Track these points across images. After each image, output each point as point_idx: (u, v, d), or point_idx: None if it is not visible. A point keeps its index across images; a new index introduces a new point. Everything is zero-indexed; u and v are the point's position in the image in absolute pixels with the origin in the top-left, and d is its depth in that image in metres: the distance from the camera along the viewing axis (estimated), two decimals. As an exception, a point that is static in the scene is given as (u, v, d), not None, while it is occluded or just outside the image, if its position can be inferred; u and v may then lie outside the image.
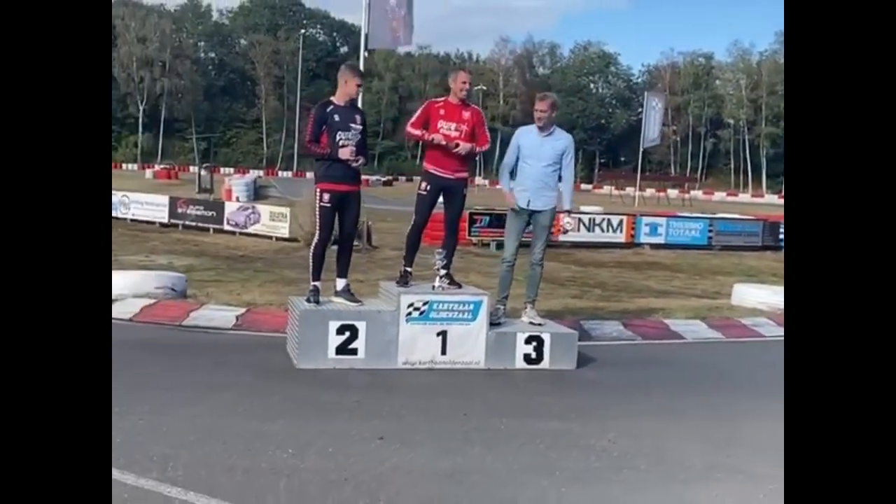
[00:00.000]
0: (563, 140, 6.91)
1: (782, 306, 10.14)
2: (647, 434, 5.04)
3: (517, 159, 6.93)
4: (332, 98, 6.54)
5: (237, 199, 24.74)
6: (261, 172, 64.86)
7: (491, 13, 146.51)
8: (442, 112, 6.62)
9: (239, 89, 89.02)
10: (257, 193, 33.04)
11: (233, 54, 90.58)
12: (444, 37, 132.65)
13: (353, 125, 6.46)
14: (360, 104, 7.27)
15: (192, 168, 63.56)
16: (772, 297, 10.40)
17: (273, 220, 16.78)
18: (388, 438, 4.67)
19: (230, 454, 4.28)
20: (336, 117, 6.37)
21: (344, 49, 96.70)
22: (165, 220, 21.56)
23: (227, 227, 17.53)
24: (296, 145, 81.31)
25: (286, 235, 16.18)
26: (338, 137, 6.35)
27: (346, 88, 6.49)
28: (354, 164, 6.45)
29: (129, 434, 4.40)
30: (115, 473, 3.82)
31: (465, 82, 6.64)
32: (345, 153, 6.36)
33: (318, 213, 6.52)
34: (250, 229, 16.88)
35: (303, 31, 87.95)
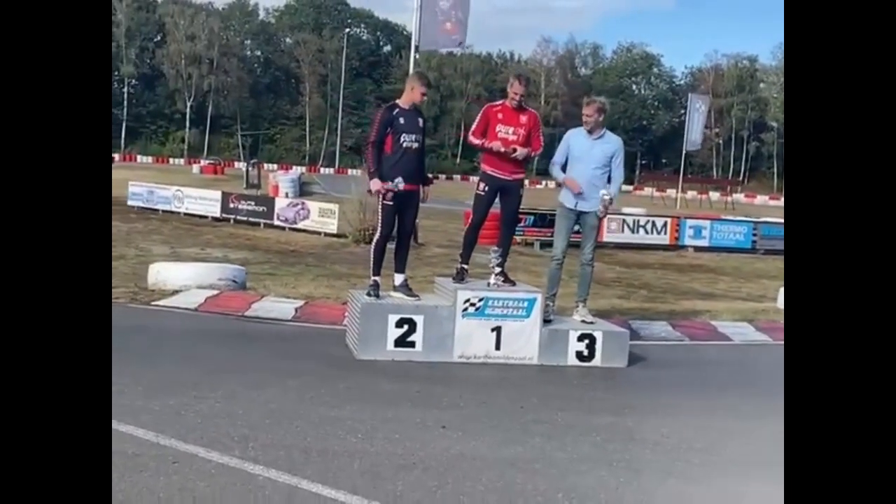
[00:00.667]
0: (612, 143, 7.06)
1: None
2: (699, 430, 5.21)
3: (566, 160, 7.09)
4: (397, 101, 6.79)
5: (286, 195, 25.19)
6: (304, 169, 65.66)
7: (532, 13, 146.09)
8: (500, 116, 6.83)
9: (283, 87, 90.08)
10: (302, 190, 33.54)
11: (278, 52, 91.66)
12: (485, 36, 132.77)
13: (417, 128, 6.71)
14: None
15: (237, 164, 64.56)
16: (819, 301, 10.45)
17: (322, 217, 17.14)
18: (450, 427, 4.91)
19: (304, 436, 4.54)
20: (402, 120, 6.62)
21: (387, 48, 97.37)
22: (217, 215, 22.10)
23: (276, 223, 17.95)
24: (338, 142, 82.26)
25: (335, 231, 16.50)
26: (402, 140, 6.60)
27: (412, 95, 6.74)
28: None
29: (207, 416, 4.70)
30: (201, 451, 4.13)
31: (516, 93, 6.84)
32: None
33: (380, 210, 6.76)
34: (299, 225, 17.26)
35: (347, 30, 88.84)
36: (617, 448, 4.74)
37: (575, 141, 7.07)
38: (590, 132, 6.99)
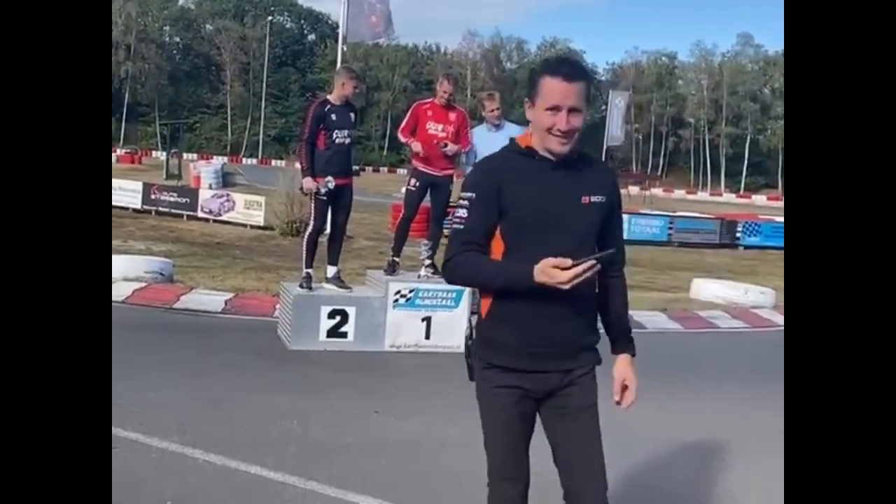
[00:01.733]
0: (514, 132, 7.30)
1: (737, 300, 10.81)
2: (613, 413, 5.53)
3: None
4: (328, 97, 6.92)
5: (209, 187, 24.87)
6: (226, 159, 64.59)
7: (458, 5, 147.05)
8: (429, 114, 7.06)
9: (204, 75, 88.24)
10: (224, 180, 33.09)
11: (198, 39, 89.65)
12: (412, 28, 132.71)
13: (349, 123, 6.88)
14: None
15: (154, 153, 63.04)
16: (728, 291, 11.06)
17: (248, 209, 17.05)
18: (383, 412, 5.15)
19: (241, 423, 4.71)
20: (333, 116, 6.76)
21: (312, 37, 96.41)
22: (139, 206, 21.61)
23: (200, 214, 17.77)
24: (261, 132, 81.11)
25: (261, 224, 16.45)
26: (335, 136, 6.76)
27: (343, 90, 6.88)
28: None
29: (145, 405, 4.82)
30: (141, 437, 4.26)
31: (446, 91, 7.07)
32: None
33: (313, 204, 6.90)
34: (224, 217, 17.13)
35: (270, 17, 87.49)
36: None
37: (478, 139, 7.29)
38: (495, 125, 7.26)
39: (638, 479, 4.32)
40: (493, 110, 7.23)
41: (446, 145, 6.96)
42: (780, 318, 10.24)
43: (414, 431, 4.84)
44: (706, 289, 11.28)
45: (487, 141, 7.20)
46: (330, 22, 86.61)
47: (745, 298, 10.90)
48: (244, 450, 4.21)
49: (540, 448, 2.62)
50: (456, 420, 5.12)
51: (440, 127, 6.99)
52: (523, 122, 2.79)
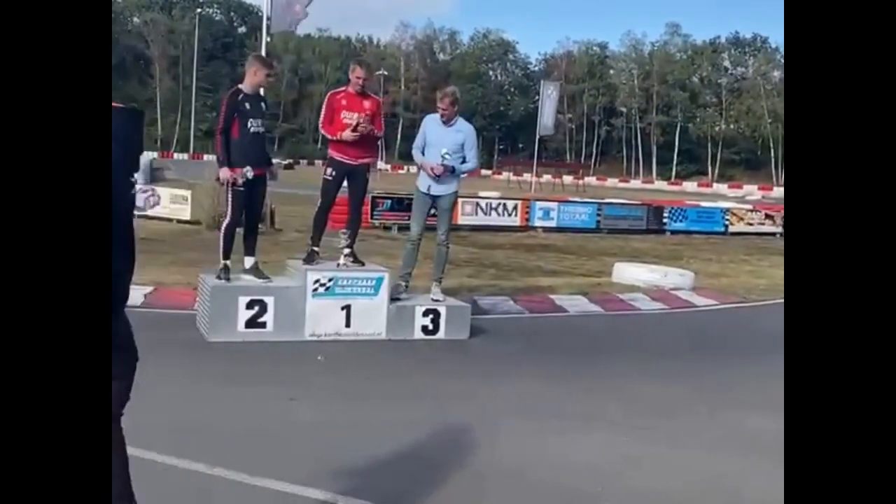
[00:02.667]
0: (462, 132, 7.39)
1: (657, 283, 11.10)
2: (529, 392, 5.70)
3: (424, 144, 7.40)
4: (240, 87, 6.87)
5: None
6: (155, 154, 63.19)
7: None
8: (344, 103, 7.07)
9: (132, 68, 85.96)
10: (153, 175, 32.37)
11: (125, 32, 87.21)
12: (344, 19, 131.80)
13: (261, 113, 6.85)
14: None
15: (81, 149, 61.16)
16: (648, 274, 11.36)
17: (174, 203, 16.73)
18: (299, 399, 5.18)
19: (154, 414, 4.65)
20: (247, 105, 6.73)
21: (242, 29, 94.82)
22: (59, 203, 20.91)
23: (125, 210, 17.37)
24: (192, 126, 79.50)
25: (188, 218, 16.16)
26: (249, 125, 6.72)
27: (256, 79, 6.85)
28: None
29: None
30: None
31: (359, 77, 7.09)
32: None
33: (230, 196, 6.85)
34: (150, 212, 16.72)
35: (199, 10, 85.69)
36: (453, 411, 5.15)
37: (430, 127, 7.39)
38: (445, 121, 7.32)
39: (554, 452, 4.45)
40: (442, 109, 7.27)
41: (359, 123, 6.93)
42: (698, 300, 10.57)
43: (327, 416, 4.88)
44: (627, 272, 11.55)
45: (438, 132, 7.28)
46: (260, 14, 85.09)
47: (664, 281, 11.20)
48: (155, 440, 4.17)
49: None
50: (369, 403, 5.20)
51: (355, 115, 7.01)
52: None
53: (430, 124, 7.40)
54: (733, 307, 10.42)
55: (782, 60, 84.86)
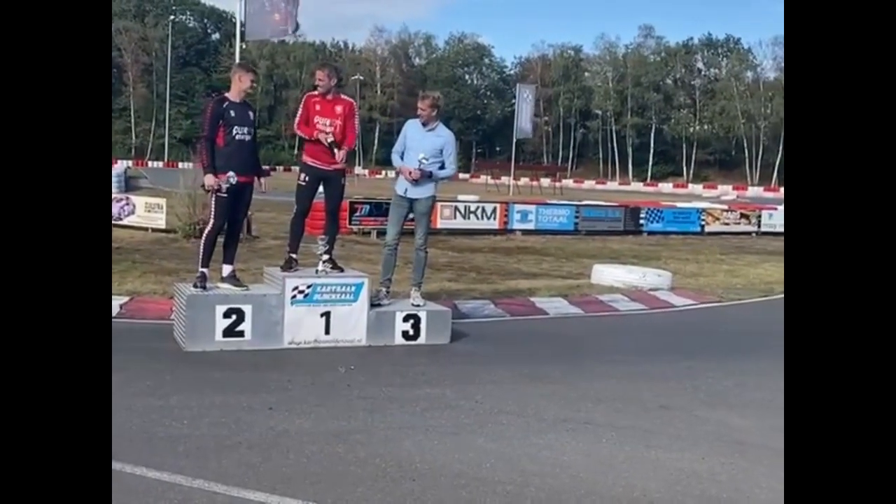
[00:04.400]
0: (442, 137, 7.38)
1: (636, 284, 11.15)
2: (510, 395, 5.69)
3: (404, 148, 7.38)
4: (226, 94, 6.84)
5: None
6: (129, 163, 62.59)
7: (365, 1, 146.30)
8: (318, 108, 7.05)
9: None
10: (128, 184, 32.09)
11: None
12: (319, 25, 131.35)
13: (248, 120, 6.84)
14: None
15: (54, 159, 60.45)
16: (626, 275, 11.41)
17: (149, 212, 16.57)
18: (277, 408, 5.12)
19: (129, 425, 4.60)
20: (232, 113, 6.70)
21: (216, 36, 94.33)
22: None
23: (100, 220, 17.21)
24: (166, 134, 78.92)
25: (163, 227, 16.01)
26: (234, 132, 6.70)
27: (241, 85, 6.83)
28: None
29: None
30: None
31: (321, 79, 7.08)
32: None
33: (214, 203, 6.79)
34: (125, 221, 16.55)
35: (172, 17, 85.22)
36: (435, 415, 5.12)
37: (410, 131, 7.38)
38: (424, 124, 7.30)
39: (536, 453, 4.44)
40: (421, 110, 7.25)
41: (337, 146, 6.95)
42: (676, 300, 10.63)
43: (308, 425, 4.83)
44: (606, 274, 11.59)
45: (419, 136, 7.26)
46: (234, 20, 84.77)
47: (643, 281, 11.26)
48: (129, 451, 4.12)
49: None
50: (351, 411, 5.16)
51: (327, 121, 6.99)
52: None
53: (411, 128, 7.39)
54: (711, 307, 10.49)
55: (754, 61, 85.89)
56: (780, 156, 77.77)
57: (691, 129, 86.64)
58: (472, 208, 20.14)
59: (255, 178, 7.01)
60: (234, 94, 6.84)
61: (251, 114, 7.00)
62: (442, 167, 7.34)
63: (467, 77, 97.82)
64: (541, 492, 3.94)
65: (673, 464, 4.47)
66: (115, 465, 3.94)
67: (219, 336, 6.54)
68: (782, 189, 64.69)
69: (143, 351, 6.50)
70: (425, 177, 7.22)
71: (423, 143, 7.26)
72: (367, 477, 4.04)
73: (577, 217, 21.19)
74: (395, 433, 4.75)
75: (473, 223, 19.62)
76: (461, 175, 69.89)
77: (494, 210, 20.19)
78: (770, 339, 8.55)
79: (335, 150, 7.01)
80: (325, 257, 7.10)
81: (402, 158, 7.37)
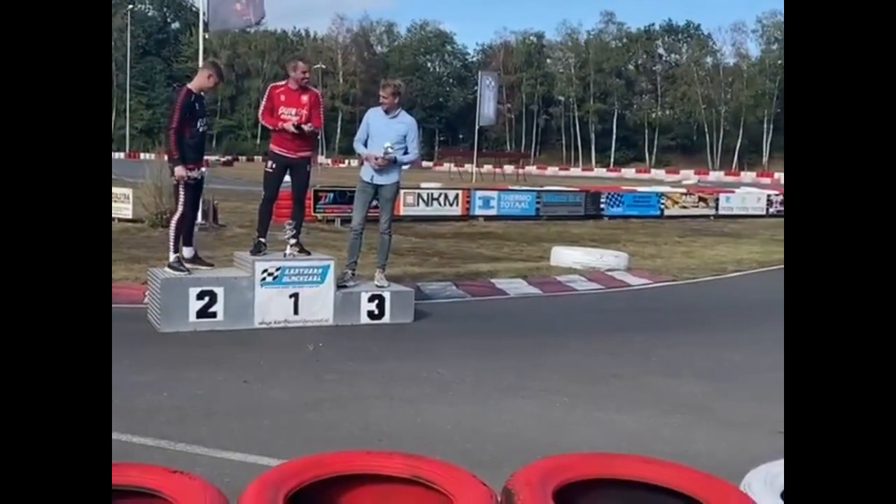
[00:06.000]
0: (405, 124, 7.70)
1: (593, 265, 11.59)
2: (469, 367, 6.07)
3: (367, 136, 7.68)
4: (190, 87, 7.14)
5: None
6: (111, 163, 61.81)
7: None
8: (283, 98, 7.33)
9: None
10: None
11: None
12: (281, 13, 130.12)
13: (205, 113, 7.26)
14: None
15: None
16: (584, 257, 11.85)
17: (115, 202, 16.62)
18: (251, 381, 5.45)
19: (112, 399, 4.89)
20: (197, 106, 7.07)
21: (176, 25, 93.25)
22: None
23: (64, 211, 17.25)
24: (127, 125, 77.95)
25: (129, 216, 16.12)
26: (199, 124, 7.08)
27: (207, 82, 7.18)
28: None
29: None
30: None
31: (305, 72, 7.36)
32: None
33: (182, 191, 7.09)
34: (90, 211, 16.67)
35: (131, 6, 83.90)
36: (399, 386, 5.49)
37: (373, 119, 7.66)
38: (386, 111, 7.60)
39: (493, 416, 4.83)
40: (383, 98, 7.54)
41: (298, 126, 7.23)
42: (631, 279, 11.09)
43: (280, 396, 5.17)
44: (565, 255, 12.02)
45: (382, 124, 7.54)
46: (194, 9, 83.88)
47: (600, 262, 11.71)
48: (115, 421, 4.41)
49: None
50: (321, 383, 5.50)
51: (293, 111, 7.28)
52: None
53: (374, 116, 7.66)
54: (665, 286, 10.96)
55: (714, 47, 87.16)
56: (739, 140, 79.29)
57: (653, 115, 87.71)
58: (435, 195, 20.45)
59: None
60: (197, 87, 7.15)
61: (204, 105, 7.36)
62: (405, 153, 7.64)
63: (429, 65, 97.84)
64: (498, 449, 4.31)
65: (621, 424, 4.88)
66: (102, 434, 4.26)
67: (192, 317, 6.82)
68: (742, 173, 66.09)
69: (119, 332, 6.60)
70: (391, 163, 7.54)
71: (386, 130, 7.54)
72: (338, 438, 4.39)
73: (538, 203, 21.60)
74: (362, 402, 5.10)
75: (436, 210, 19.94)
76: (424, 163, 70.11)
77: (457, 197, 20.53)
78: (716, 314, 9.08)
79: (303, 128, 7.27)
80: (293, 241, 7.39)
81: (364, 146, 7.66)
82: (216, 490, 1.87)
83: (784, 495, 2.16)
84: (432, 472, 2.05)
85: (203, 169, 7.16)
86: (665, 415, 5.06)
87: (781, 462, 2.18)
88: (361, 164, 7.91)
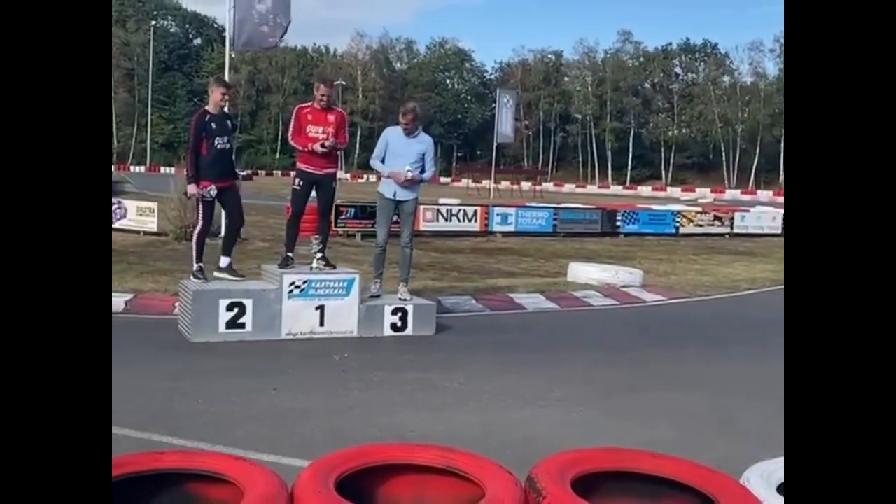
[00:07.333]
0: (425, 142, 8.01)
1: (609, 281, 11.80)
2: (490, 379, 6.30)
3: (385, 154, 7.97)
4: (207, 108, 7.58)
5: (99, 196, 24.43)
6: (112, 167, 62.75)
7: (346, 6, 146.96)
8: (310, 117, 7.65)
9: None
10: (113, 189, 32.43)
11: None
12: (301, 30, 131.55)
13: (226, 130, 7.55)
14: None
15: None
16: (600, 273, 12.07)
17: (140, 215, 17.03)
18: (281, 389, 5.71)
19: (150, 404, 5.18)
20: (213, 125, 7.42)
21: (198, 41, 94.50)
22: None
23: (91, 223, 17.65)
24: (148, 139, 78.97)
25: (155, 230, 16.49)
26: (216, 143, 7.41)
27: (214, 98, 7.60)
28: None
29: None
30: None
31: (323, 94, 7.66)
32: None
33: (201, 207, 7.45)
34: (117, 224, 17.01)
35: (154, 22, 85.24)
36: (422, 395, 5.73)
37: (393, 139, 7.96)
38: (407, 133, 7.89)
39: (510, 425, 5.06)
40: (405, 125, 7.84)
41: (327, 139, 7.53)
42: (646, 296, 11.29)
43: (309, 403, 5.43)
44: (581, 272, 12.25)
45: (402, 144, 7.84)
46: (216, 26, 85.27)
47: (615, 279, 11.92)
48: (155, 424, 4.70)
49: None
50: (348, 391, 5.75)
51: (320, 129, 7.59)
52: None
53: (393, 136, 7.96)
54: (678, 302, 11.15)
55: (731, 66, 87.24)
56: (756, 159, 79.16)
57: (669, 133, 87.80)
58: (454, 211, 20.74)
59: (233, 181, 7.80)
60: (212, 106, 7.58)
61: (229, 122, 7.68)
62: (422, 171, 7.94)
63: (448, 82, 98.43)
64: (518, 452, 4.52)
65: (634, 433, 5.08)
66: (143, 435, 4.53)
67: (222, 328, 7.10)
68: (759, 192, 66.00)
69: (152, 342, 7.06)
70: (416, 181, 7.85)
71: (406, 150, 7.86)
72: (365, 441, 4.62)
73: (555, 219, 21.83)
74: (387, 409, 5.35)
75: (455, 225, 20.22)
76: (442, 179, 70.48)
77: (475, 212, 20.81)
78: (729, 330, 9.27)
79: (327, 145, 7.55)
80: (319, 255, 7.68)
81: (381, 163, 7.95)
82: (274, 474, 2.12)
83: (783, 488, 2.37)
84: (463, 463, 2.29)
85: (212, 188, 7.44)
86: (678, 427, 5.26)
87: (777, 460, 2.41)
88: (379, 179, 8.20)
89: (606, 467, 2.31)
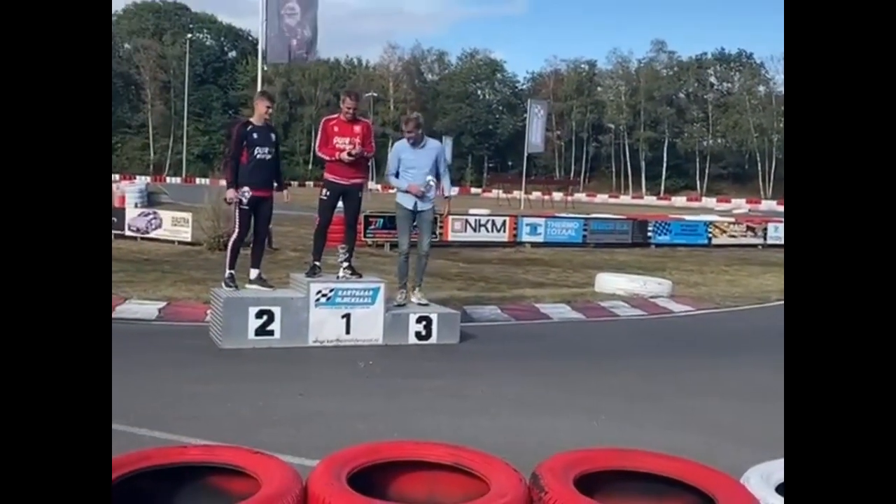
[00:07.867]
0: (434, 149, 8.17)
1: (637, 291, 11.81)
2: (512, 387, 6.37)
3: (399, 168, 8.13)
4: (251, 119, 7.77)
5: (136, 206, 24.99)
6: (149, 179, 63.84)
7: (378, 18, 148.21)
8: (336, 129, 7.82)
9: (123, 94, 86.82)
10: (149, 200, 33.04)
11: (116, 58, 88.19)
12: (334, 41, 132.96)
13: (269, 142, 7.71)
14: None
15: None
16: (628, 283, 12.08)
17: (175, 225, 17.37)
18: (307, 394, 5.84)
19: (178, 407, 5.34)
20: (255, 136, 7.60)
21: (233, 54, 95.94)
22: (61, 228, 21.38)
23: (128, 233, 18.02)
24: (184, 150, 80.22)
25: (189, 240, 16.80)
26: (255, 152, 7.58)
27: (258, 110, 7.78)
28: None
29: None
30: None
31: (349, 107, 7.82)
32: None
33: (237, 214, 7.62)
34: (152, 234, 17.38)
35: (189, 35, 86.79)
36: (444, 401, 5.82)
37: (403, 153, 8.12)
38: (413, 143, 8.04)
39: (532, 432, 5.13)
40: (409, 133, 7.98)
41: (354, 147, 7.70)
42: (674, 306, 11.28)
43: (333, 407, 5.54)
44: (609, 282, 12.27)
45: (412, 155, 8.00)
46: (251, 38, 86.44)
47: (643, 289, 11.92)
48: (182, 426, 4.85)
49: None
50: (371, 397, 5.87)
51: (347, 140, 7.76)
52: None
53: (403, 150, 8.12)
54: (707, 313, 11.11)
55: (767, 75, 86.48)
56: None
57: (704, 143, 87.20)
58: (483, 221, 20.84)
59: (277, 191, 7.96)
60: (256, 118, 7.79)
61: (273, 135, 7.87)
62: (437, 176, 8.09)
63: (479, 92, 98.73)
64: (534, 458, 4.58)
65: (656, 440, 5.11)
66: (172, 437, 4.68)
67: (251, 335, 7.26)
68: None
69: (184, 348, 7.25)
70: (435, 189, 8.02)
71: (418, 160, 8.00)
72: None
73: (585, 230, 21.81)
74: (409, 414, 5.45)
75: (484, 236, 20.31)
76: (473, 189, 70.57)
77: (504, 223, 20.88)
78: (755, 340, 9.22)
79: (353, 154, 7.72)
80: (345, 264, 7.82)
81: (396, 177, 8.14)
82: (290, 468, 2.23)
83: (783, 488, 2.42)
84: (471, 460, 2.38)
85: (245, 190, 7.59)
86: (697, 434, 5.28)
87: (777, 461, 2.47)
88: (398, 192, 8.37)
89: (609, 466, 2.38)
